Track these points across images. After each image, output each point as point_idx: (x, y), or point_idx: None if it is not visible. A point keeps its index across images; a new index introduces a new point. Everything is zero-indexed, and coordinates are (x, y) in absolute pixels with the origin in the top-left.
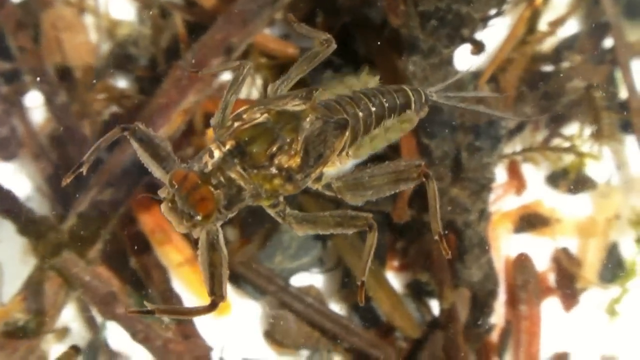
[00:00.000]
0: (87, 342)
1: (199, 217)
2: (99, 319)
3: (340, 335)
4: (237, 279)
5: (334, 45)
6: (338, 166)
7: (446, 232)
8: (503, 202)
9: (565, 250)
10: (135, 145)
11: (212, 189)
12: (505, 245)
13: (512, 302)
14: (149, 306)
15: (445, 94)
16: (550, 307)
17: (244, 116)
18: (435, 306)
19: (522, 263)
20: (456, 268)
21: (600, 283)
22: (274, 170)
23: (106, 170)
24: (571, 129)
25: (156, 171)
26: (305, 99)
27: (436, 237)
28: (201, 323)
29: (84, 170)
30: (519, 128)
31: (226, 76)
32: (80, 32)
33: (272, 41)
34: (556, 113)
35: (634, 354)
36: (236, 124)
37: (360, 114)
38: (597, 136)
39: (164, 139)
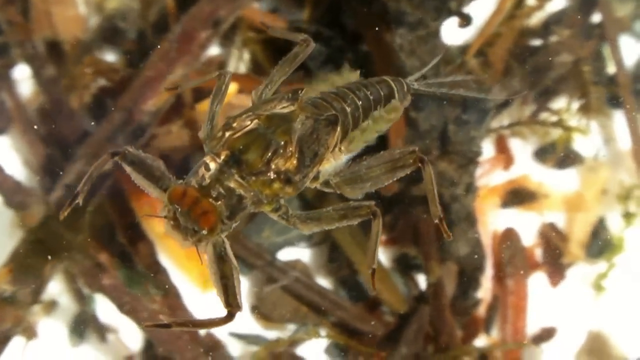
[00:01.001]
0: (75, 315)
1: (204, 232)
2: (86, 291)
3: (327, 309)
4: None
5: (313, 45)
6: (332, 163)
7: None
8: (490, 176)
9: (552, 225)
10: (128, 169)
11: (213, 202)
12: (493, 219)
13: (499, 276)
14: (165, 320)
15: (424, 82)
16: (537, 281)
17: (234, 125)
18: (422, 280)
19: (509, 238)
20: (443, 242)
21: (587, 258)
22: (272, 174)
23: (94, 142)
24: (559, 103)
25: (153, 191)
26: (292, 100)
27: (436, 221)
28: (188, 297)
29: (80, 200)
30: (507, 102)
31: (214, 50)
32: (70, 6)
33: (261, 15)
34: (544, 87)
35: (620, 329)
36: (227, 134)
37: (348, 108)
38: (585, 110)
39: (156, 158)
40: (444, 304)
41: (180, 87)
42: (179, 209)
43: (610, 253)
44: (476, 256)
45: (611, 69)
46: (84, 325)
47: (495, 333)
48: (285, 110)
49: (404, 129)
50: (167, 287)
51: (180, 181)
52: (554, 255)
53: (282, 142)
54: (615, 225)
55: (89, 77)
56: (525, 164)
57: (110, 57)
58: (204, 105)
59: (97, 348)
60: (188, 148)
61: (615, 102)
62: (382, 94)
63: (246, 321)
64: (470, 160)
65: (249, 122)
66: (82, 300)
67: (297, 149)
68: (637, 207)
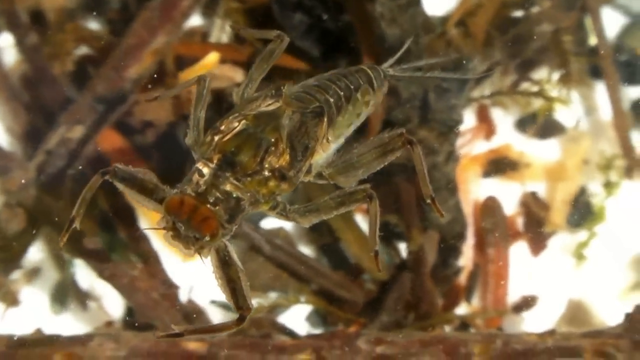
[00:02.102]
0: (57, 283)
1: (206, 239)
2: (66, 256)
3: (308, 277)
4: None
5: (287, 39)
6: (322, 154)
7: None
8: (472, 146)
9: (533, 195)
10: (120, 186)
11: (212, 207)
12: (474, 189)
13: (480, 245)
14: (177, 329)
15: (399, 67)
16: (519, 251)
17: (222, 127)
18: (403, 249)
19: (490, 206)
20: (424, 210)
21: (568, 227)
22: (266, 173)
23: (76, 109)
24: (540, 73)
25: (149, 205)
26: (276, 97)
27: (428, 201)
28: (169, 265)
29: (77, 224)
30: (488, 72)
31: (197, 20)
32: None
33: None
34: (525, 57)
35: (601, 298)
36: (217, 138)
37: (331, 99)
38: (566, 81)
39: (147, 171)
40: (424, 272)
41: (160, 96)
42: (178, 219)
43: (591, 222)
44: (457, 224)
45: (592, 40)
46: (66, 293)
47: (476, 301)
48: (272, 108)
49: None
50: (147, 253)
51: (175, 190)
52: (535, 225)
53: (273, 140)
54: (596, 194)
55: (72, 45)
56: (506, 134)
57: (93, 25)
58: (186, 74)
59: (79, 315)
60: (172, 116)
61: (596, 72)
62: (360, 82)
63: None
64: (450, 128)
65: (236, 124)
66: (63, 265)
67: (288, 144)
68: (618, 177)
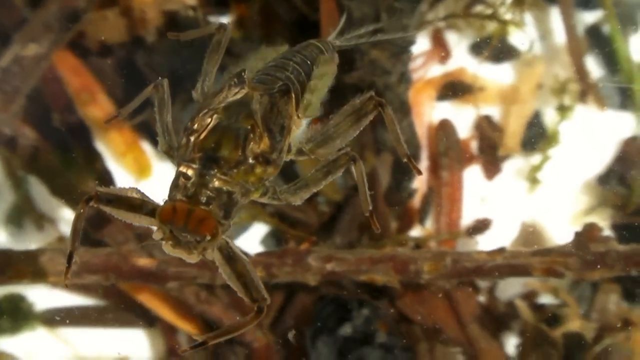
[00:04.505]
0: (12, 203)
1: (207, 239)
2: (20, 172)
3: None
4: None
5: (230, 27)
6: (295, 131)
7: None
8: (427, 69)
9: (487, 118)
10: (106, 209)
11: (205, 207)
12: (428, 112)
13: (434, 168)
14: (199, 339)
15: (343, 37)
16: (473, 174)
17: (195, 127)
18: None
19: (444, 129)
20: (378, 132)
21: (522, 151)
22: (251, 160)
23: (31, 27)
24: None
25: (141, 220)
26: (240, 84)
27: (405, 160)
28: (122, 183)
29: (75, 257)
30: None
31: None
32: None
33: None
34: None
35: (554, 222)
36: (193, 138)
37: (292, 75)
38: (519, 3)
39: (130, 188)
40: (378, 194)
41: (120, 114)
42: (175, 226)
43: (545, 146)
44: (411, 146)
45: None
46: (21, 214)
47: (430, 224)
48: (239, 96)
49: (337, 17)
50: (101, 172)
51: (165, 199)
52: (489, 148)
53: (249, 127)
54: (550, 118)
55: None
56: (461, 58)
57: None
58: None
59: (34, 236)
60: (125, 36)
61: None
62: (314, 55)
63: None
64: (403, 49)
65: (209, 120)
66: (17, 183)
67: (264, 128)
68: (572, 101)
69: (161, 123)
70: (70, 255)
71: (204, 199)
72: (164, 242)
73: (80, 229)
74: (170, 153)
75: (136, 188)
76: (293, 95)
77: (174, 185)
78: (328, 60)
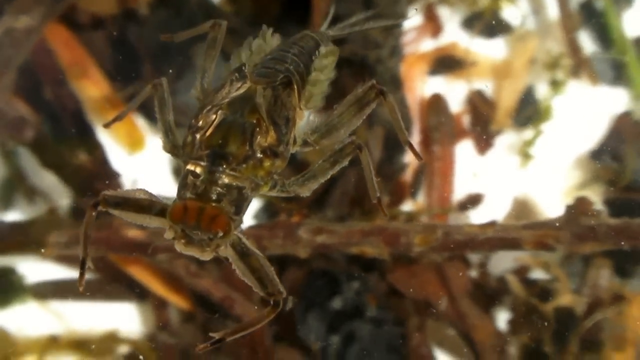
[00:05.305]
0: (3, 177)
1: (220, 236)
2: (11, 144)
3: None
4: (150, 116)
5: (225, 23)
6: (299, 122)
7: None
8: (419, 44)
9: (480, 93)
10: (115, 212)
11: (216, 204)
12: (420, 86)
13: (426, 142)
14: (216, 336)
15: (336, 27)
16: (464, 149)
17: (200, 124)
18: None
19: (436, 104)
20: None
21: (514, 126)
22: (259, 155)
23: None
24: None
25: (151, 222)
26: (242, 79)
27: (406, 147)
28: (114, 157)
29: (88, 264)
30: None
31: None
32: None
33: None
34: None
35: (546, 196)
36: (198, 135)
37: (291, 67)
38: None
39: (139, 189)
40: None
41: (119, 117)
42: (187, 225)
43: (538, 121)
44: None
45: None
46: (12, 187)
47: (421, 199)
48: (241, 91)
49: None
50: (92, 145)
51: (175, 198)
52: (482, 123)
53: (255, 121)
54: (542, 93)
55: None
56: (453, 32)
57: None
58: None
59: (25, 210)
60: (115, 9)
61: None
62: (311, 46)
63: (169, 184)
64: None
65: (214, 116)
66: (9, 156)
67: (270, 121)
68: (564, 76)
69: (163, 122)
70: (83, 262)
71: (214, 196)
72: (176, 241)
73: (90, 235)
74: (175, 152)
75: (143, 189)
76: (295, 87)
77: (183, 184)
78: (328, 53)
